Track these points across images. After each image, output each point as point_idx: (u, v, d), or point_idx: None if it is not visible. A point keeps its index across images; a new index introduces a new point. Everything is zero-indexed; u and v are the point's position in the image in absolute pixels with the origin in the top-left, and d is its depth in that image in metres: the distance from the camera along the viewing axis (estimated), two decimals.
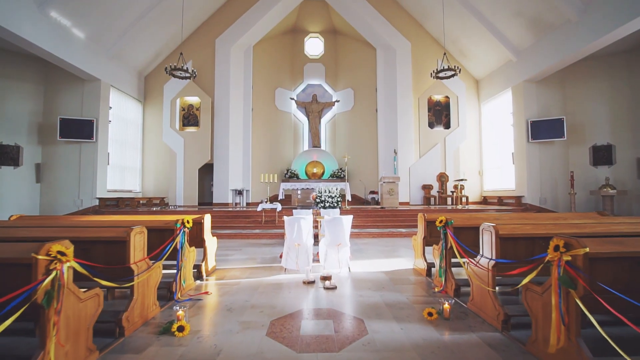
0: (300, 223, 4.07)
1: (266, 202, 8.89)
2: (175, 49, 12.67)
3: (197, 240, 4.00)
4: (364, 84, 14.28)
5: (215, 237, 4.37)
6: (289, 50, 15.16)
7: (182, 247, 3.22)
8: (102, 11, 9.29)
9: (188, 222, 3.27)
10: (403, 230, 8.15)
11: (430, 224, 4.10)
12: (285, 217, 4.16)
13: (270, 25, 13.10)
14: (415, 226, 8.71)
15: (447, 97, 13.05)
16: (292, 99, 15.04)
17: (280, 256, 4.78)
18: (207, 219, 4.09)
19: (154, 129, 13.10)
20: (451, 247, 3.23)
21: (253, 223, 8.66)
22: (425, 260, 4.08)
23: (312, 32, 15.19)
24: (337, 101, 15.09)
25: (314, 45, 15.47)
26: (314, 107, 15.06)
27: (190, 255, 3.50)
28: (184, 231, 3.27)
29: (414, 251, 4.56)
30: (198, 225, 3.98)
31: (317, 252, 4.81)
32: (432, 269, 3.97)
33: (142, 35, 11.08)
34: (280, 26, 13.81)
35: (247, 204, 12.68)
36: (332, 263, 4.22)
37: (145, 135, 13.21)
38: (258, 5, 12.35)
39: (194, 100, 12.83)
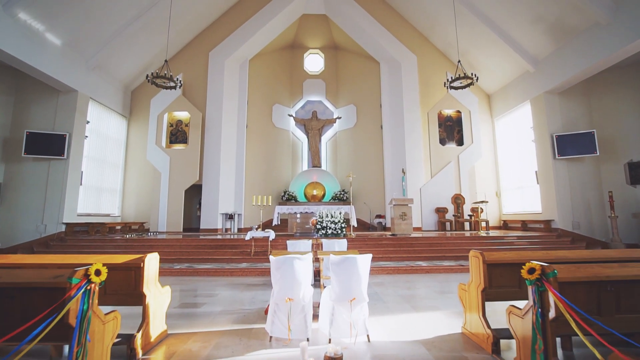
0: (293, 266, 2.68)
1: (257, 228, 7.48)
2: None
3: (134, 295, 2.59)
4: (367, 100, 13.34)
5: (167, 287, 2.95)
6: (288, 66, 14.40)
7: (81, 319, 1.81)
8: (81, 16, 8.40)
9: (98, 272, 1.89)
10: (423, 264, 6.67)
11: (491, 268, 2.70)
12: (271, 258, 2.77)
13: (268, 39, 12.38)
14: (439, 258, 7.28)
15: (458, 111, 12.02)
16: (291, 115, 14.04)
17: (266, 311, 3.33)
18: (152, 261, 2.69)
19: (138, 147, 11.92)
20: (558, 317, 1.83)
21: (240, 255, 7.18)
22: (487, 323, 2.64)
23: (312, 48, 14.51)
24: (339, 118, 14.09)
25: (313, 62, 14.75)
26: (313, 125, 14.02)
27: (106, 328, 2.07)
28: (89, 290, 1.88)
29: (461, 303, 3.12)
30: (135, 270, 2.58)
31: (318, 303, 3.38)
32: (502, 340, 2.53)
33: (128, 45, 10.20)
34: (278, 41, 13.12)
35: (239, 229, 11.24)
36: (342, 327, 2.77)
37: (129, 154, 12.00)
38: (255, 18, 11.68)
39: (183, 115, 11.76)
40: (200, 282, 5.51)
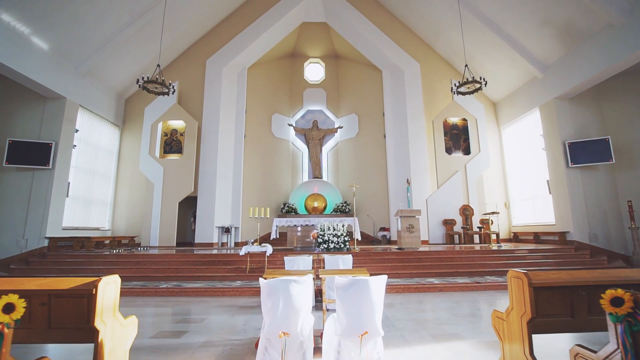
0: (289, 292, 2.11)
1: (253, 242, 6.88)
2: (162, 69, 11.49)
3: (85, 329, 2.01)
4: (369, 109, 12.98)
5: (132, 318, 2.37)
6: (288, 75, 14.14)
7: None
8: (69, 19, 8.09)
9: (9, 308, 1.34)
10: (434, 281, 6.05)
11: (537, 291, 2.14)
12: (261, 281, 2.21)
13: (267, 47, 12.15)
14: (451, 274, 6.59)
15: (464, 119, 11.62)
16: (291, 125, 13.66)
17: (257, 345, 2.73)
18: (109, 286, 2.13)
19: (130, 157, 11.45)
20: None
21: (235, 272, 6.56)
22: None
23: (312, 57, 14.29)
24: (340, 127, 13.70)
25: (314, 71, 14.51)
26: (314, 134, 13.61)
27: None
28: None
29: (497, 335, 2.53)
30: (88, 298, 2.02)
31: (321, 332, 2.78)
32: None
33: (121, 52, 9.90)
34: (278, 49, 12.90)
35: (236, 243, 10.61)
36: None
37: (121, 164, 11.51)
38: (253, 26, 11.47)
39: (178, 124, 11.36)
40: (187, 304, 4.88)
